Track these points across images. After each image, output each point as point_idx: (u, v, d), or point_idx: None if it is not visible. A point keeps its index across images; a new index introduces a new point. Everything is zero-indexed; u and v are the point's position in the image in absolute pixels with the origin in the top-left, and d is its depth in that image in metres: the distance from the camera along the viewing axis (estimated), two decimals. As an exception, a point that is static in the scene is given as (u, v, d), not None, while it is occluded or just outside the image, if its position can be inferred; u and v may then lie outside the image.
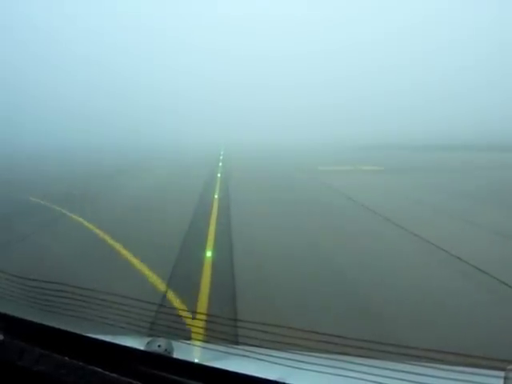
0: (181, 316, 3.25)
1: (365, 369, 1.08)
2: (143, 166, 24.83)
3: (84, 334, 1.08)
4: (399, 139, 54.67)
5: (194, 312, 4.06)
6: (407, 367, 1.10)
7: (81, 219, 9.11)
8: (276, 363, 1.10)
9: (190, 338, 1.60)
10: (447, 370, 1.13)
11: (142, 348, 1.12)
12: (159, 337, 1.22)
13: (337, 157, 29.88)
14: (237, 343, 1.52)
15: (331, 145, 47.55)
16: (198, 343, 1.62)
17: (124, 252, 6.48)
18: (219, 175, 18.21)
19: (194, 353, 1.57)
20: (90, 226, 8.40)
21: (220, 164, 24.61)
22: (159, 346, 1.14)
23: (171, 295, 4.65)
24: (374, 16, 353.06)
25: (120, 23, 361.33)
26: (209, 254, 6.50)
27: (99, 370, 0.89)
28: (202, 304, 4.41)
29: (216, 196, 12.45)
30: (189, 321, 1.65)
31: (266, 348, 1.21)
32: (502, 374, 0.96)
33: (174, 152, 38.99)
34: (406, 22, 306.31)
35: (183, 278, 5.29)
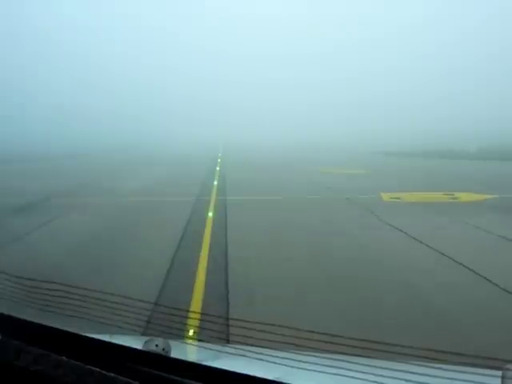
0: (179, 315, 3.25)
1: (364, 369, 1.08)
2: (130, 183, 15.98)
3: (82, 333, 1.07)
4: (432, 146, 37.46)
5: (192, 311, 4.07)
6: (407, 367, 1.10)
7: None
8: (274, 363, 1.10)
9: (188, 338, 1.60)
10: (446, 370, 1.13)
11: (139, 347, 1.11)
12: (157, 336, 1.22)
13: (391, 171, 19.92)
14: (235, 342, 1.52)
15: (341, 147, 43.92)
16: (196, 343, 1.62)
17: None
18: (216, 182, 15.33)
19: (192, 352, 1.56)
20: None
21: (216, 179, 17.80)
22: (157, 345, 1.14)
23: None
24: (373, 16, 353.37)
25: (120, 23, 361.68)
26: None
27: (97, 369, 0.89)
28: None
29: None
30: (187, 320, 1.65)
31: (264, 347, 1.21)
32: (500, 373, 0.96)
33: (172, 152, 38.82)
34: (406, 22, 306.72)
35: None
